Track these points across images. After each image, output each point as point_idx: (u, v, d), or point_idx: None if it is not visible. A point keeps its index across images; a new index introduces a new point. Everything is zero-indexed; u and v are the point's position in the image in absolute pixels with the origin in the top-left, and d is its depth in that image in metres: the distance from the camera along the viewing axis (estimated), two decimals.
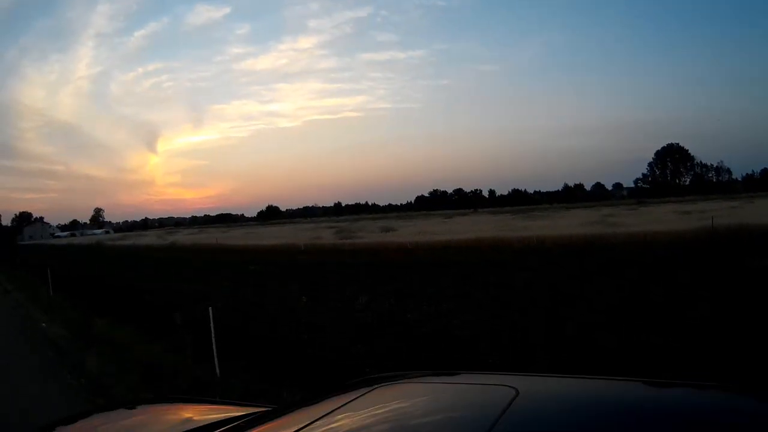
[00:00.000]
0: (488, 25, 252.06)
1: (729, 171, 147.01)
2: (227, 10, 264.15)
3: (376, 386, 2.80)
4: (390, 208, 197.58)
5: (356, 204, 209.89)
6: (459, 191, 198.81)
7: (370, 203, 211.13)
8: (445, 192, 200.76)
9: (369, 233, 68.28)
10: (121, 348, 13.89)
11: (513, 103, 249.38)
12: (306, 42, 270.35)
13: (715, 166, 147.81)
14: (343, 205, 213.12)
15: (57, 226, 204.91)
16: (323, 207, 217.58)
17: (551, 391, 2.36)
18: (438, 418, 2.23)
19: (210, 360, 10.88)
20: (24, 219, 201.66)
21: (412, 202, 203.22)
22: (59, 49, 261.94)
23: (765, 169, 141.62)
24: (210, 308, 11.14)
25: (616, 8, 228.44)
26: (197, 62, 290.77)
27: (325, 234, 71.48)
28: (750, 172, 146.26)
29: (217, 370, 10.75)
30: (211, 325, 10.90)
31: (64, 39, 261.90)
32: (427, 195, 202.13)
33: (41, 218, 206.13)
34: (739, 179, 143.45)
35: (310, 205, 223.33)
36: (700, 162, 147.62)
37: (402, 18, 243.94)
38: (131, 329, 16.03)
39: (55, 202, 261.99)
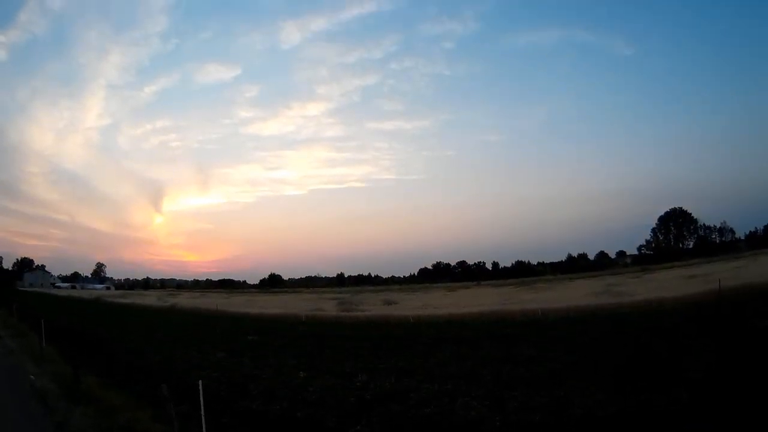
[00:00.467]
0: (491, 94, 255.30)
1: (732, 231, 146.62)
2: (237, 71, 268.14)
3: None
4: (393, 280, 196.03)
5: (359, 275, 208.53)
6: (462, 263, 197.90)
7: (373, 274, 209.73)
8: (448, 264, 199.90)
9: (371, 305, 67.53)
10: (109, 411, 13.34)
11: (516, 173, 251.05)
12: (314, 108, 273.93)
13: (718, 227, 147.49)
14: (346, 275, 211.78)
15: (58, 276, 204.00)
16: (326, 277, 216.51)
17: None
18: None
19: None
20: (25, 265, 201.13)
21: (416, 274, 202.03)
22: (70, 96, 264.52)
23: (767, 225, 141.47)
24: (200, 381, 10.61)
25: (617, 75, 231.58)
26: (205, 123, 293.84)
27: (326, 305, 70.77)
28: (753, 229, 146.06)
29: None
30: (201, 399, 10.38)
31: (75, 86, 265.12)
32: (430, 267, 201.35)
33: (43, 266, 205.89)
34: (742, 238, 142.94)
35: (313, 275, 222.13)
36: (704, 224, 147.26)
37: (409, 87, 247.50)
38: (121, 392, 15.47)
39: (57, 251, 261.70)
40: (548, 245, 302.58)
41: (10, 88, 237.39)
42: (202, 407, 10.25)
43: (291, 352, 24.51)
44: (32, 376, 19.14)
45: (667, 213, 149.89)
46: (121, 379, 16.98)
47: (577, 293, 58.61)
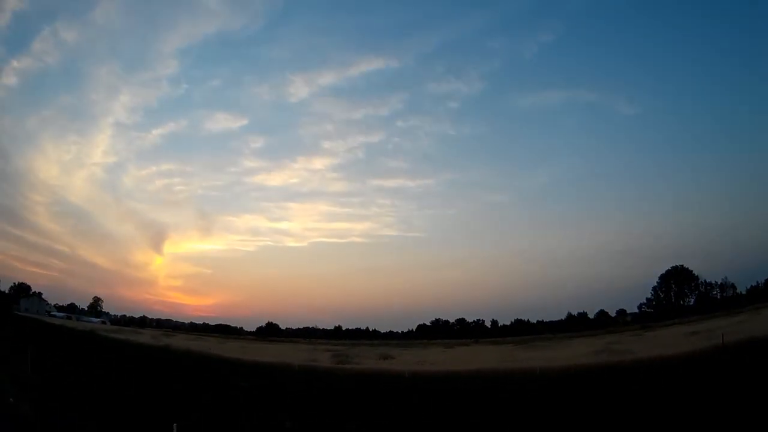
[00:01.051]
0: (495, 154, 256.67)
1: (734, 286, 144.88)
2: (244, 121, 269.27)
3: None
4: (390, 335, 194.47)
5: (357, 329, 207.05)
6: (461, 321, 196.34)
7: (370, 329, 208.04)
8: (447, 321, 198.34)
9: (366, 359, 66.67)
10: None
11: (517, 232, 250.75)
12: (318, 163, 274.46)
13: (719, 283, 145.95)
14: (344, 328, 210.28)
15: (54, 305, 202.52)
16: (323, 329, 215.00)
17: None
18: None
19: None
20: (22, 290, 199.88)
21: (414, 330, 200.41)
22: (78, 130, 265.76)
23: None
24: (174, 424, 10.16)
25: (620, 134, 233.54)
26: (210, 169, 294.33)
27: (321, 357, 69.92)
28: (754, 284, 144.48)
29: None
30: None
31: (83, 120, 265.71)
32: (428, 324, 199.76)
33: (40, 294, 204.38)
34: (743, 293, 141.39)
35: (310, 326, 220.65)
36: (704, 281, 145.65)
37: (413, 145, 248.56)
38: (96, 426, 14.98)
39: (55, 280, 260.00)
40: (548, 304, 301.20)
41: (19, 115, 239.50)
42: None
43: (281, 399, 23.94)
44: (11, 399, 18.71)
45: (668, 271, 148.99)
46: (100, 414, 16.44)
47: (577, 352, 57.84)
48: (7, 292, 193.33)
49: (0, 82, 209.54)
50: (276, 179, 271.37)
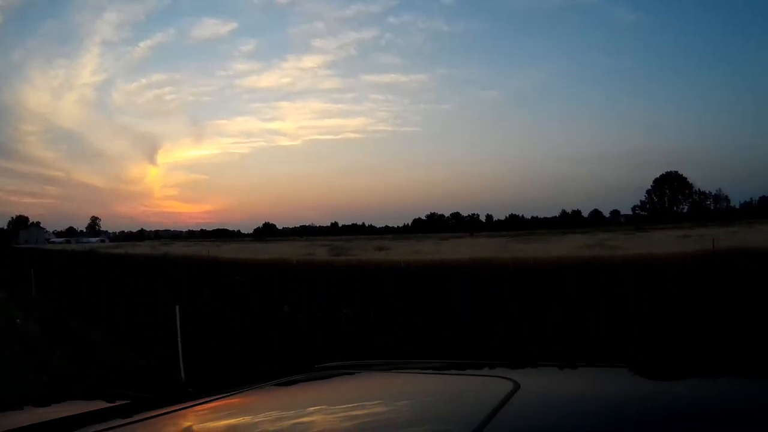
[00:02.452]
0: (490, 51, 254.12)
1: (727, 199, 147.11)
2: (234, 25, 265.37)
3: (339, 373, 2.63)
4: (387, 230, 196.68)
5: (353, 225, 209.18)
6: (456, 215, 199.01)
7: (367, 224, 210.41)
8: (442, 215, 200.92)
9: (363, 251, 67.56)
10: (91, 348, 13.29)
11: (512, 129, 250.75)
12: (310, 61, 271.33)
13: (713, 193, 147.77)
14: (340, 225, 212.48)
15: (53, 232, 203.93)
16: (320, 226, 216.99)
17: (554, 384, 2.18)
18: (417, 410, 1.92)
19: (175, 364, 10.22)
20: (20, 223, 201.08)
21: (409, 224, 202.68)
22: (64, 54, 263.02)
23: (763, 197, 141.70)
24: (177, 306, 10.50)
25: (616, 37, 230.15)
26: (201, 76, 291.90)
27: (318, 251, 70.78)
28: (748, 199, 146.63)
29: (182, 374, 10.08)
30: (177, 323, 10.27)
31: (69, 44, 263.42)
32: (424, 218, 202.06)
33: (38, 223, 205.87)
34: (737, 207, 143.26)
35: (307, 224, 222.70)
36: (699, 190, 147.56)
37: (406, 41, 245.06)
38: (102, 329, 15.42)
39: (52, 207, 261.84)
40: (543, 201, 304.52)
41: (4, 49, 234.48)
42: (178, 332, 10.13)
43: (276, 290, 24.39)
44: (18, 320, 19.19)
45: (662, 176, 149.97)
46: (104, 318, 16.90)
47: (569, 246, 58.67)
48: (5, 227, 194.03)
49: None
50: (267, 80, 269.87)
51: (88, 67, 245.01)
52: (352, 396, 2.35)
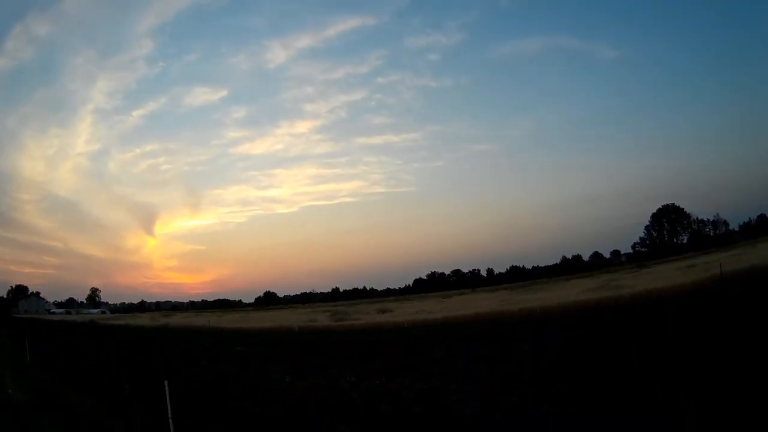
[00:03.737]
0: (479, 103, 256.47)
1: (726, 223, 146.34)
2: (224, 92, 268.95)
3: None
4: (388, 292, 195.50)
5: (354, 289, 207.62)
6: (457, 272, 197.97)
7: (368, 288, 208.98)
8: (443, 273, 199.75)
9: (365, 315, 66.68)
10: (80, 419, 12.59)
11: (506, 180, 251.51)
12: (302, 126, 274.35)
13: (711, 220, 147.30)
14: (341, 290, 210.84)
15: (53, 302, 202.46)
16: (321, 293, 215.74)
17: None
18: None
19: None
20: (20, 292, 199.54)
21: (411, 285, 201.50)
22: (59, 122, 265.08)
23: (761, 215, 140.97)
24: (165, 381, 9.80)
25: (603, 78, 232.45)
26: (194, 145, 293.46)
27: (320, 317, 69.91)
28: (747, 220, 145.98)
29: None
30: (167, 398, 9.58)
31: (63, 112, 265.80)
32: (425, 277, 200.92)
33: (37, 293, 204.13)
34: (737, 229, 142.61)
35: (308, 291, 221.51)
36: (697, 218, 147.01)
37: (396, 101, 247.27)
38: (94, 401, 14.72)
39: (52, 278, 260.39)
40: (542, 249, 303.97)
41: None
42: (168, 407, 9.41)
43: (279, 358, 23.67)
44: (9, 390, 18.57)
45: (659, 210, 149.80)
46: (98, 388, 16.15)
47: (574, 291, 57.84)
48: (5, 296, 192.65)
49: None
50: (260, 147, 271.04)
51: (82, 136, 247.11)
52: None
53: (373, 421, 11.38)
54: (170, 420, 9.42)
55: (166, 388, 9.55)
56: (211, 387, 14.90)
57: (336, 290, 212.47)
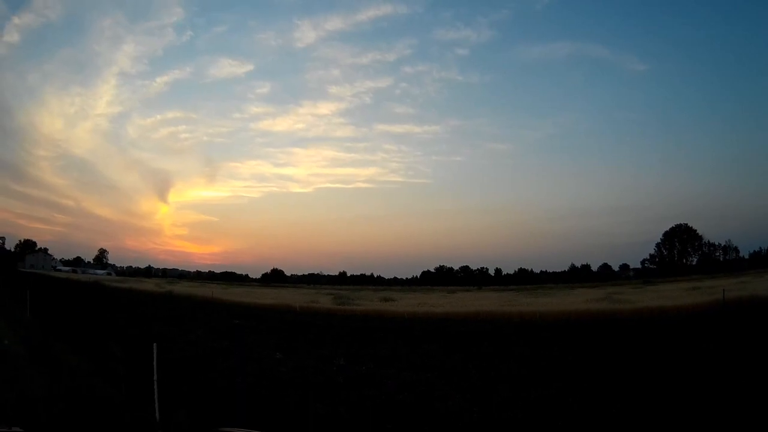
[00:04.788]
0: (502, 103, 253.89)
1: (736, 249, 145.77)
2: (250, 67, 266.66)
3: None
4: (395, 281, 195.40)
5: (362, 275, 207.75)
6: (465, 268, 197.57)
7: (375, 275, 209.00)
8: (451, 268, 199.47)
9: (368, 302, 66.79)
10: (68, 374, 12.86)
11: (523, 182, 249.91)
12: (325, 108, 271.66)
13: (722, 245, 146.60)
14: (349, 274, 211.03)
15: (60, 260, 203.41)
16: (328, 275, 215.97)
17: None
18: None
19: (150, 399, 9.70)
20: (27, 247, 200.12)
21: (418, 276, 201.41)
22: (81, 82, 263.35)
23: None
24: (154, 344, 10.01)
25: (628, 91, 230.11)
26: (216, 116, 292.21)
27: (323, 299, 70.05)
28: (757, 249, 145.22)
29: (157, 414, 9.56)
30: (154, 363, 9.79)
31: (87, 72, 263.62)
32: (432, 270, 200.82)
33: (45, 249, 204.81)
34: (746, 257, 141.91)
35: (316, 272, 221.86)
36: (708, 241, 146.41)
37: (420, 91, 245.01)
38: (84, 360, 15.01)
39: (60, 235, 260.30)
40: (551, 255, 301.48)
41: (21, 71, 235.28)
42: (155, 371, 9.63)
43: (273, 335, 23.93)
44: (6, 341, 18.82)
45: (672, 228, 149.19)
46: (89, 347, 16.43)
47: (577, 299, 57.82)
48: (12, 250, 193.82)
49: (2, 40, 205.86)
50: (281, 125, 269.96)
51: (104, 98, 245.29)
52: None
53: (354, 404, 11.54)
54: (155, 383, 9.59)
55: (155, 351, 9.75)
56: (202, 358, 15.17)
57: (343, 274, 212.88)
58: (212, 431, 2.60)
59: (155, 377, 9.72)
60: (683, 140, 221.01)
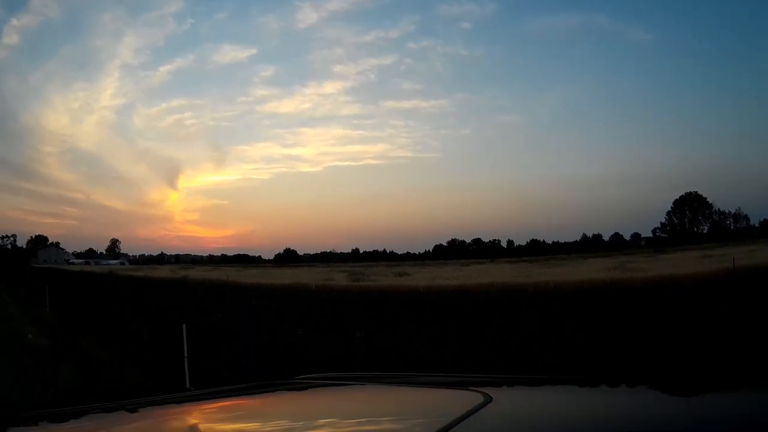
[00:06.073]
0: (508, 75, 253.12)
1: (747, 218, 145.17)
2: (253, 51, 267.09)
3: (317, 384, 2.65)
4: (408, 257, 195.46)
5: (374, 251, 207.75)
6: (477, 241, 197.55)
7: (388, 251, 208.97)
8: (463, 241, 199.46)
9: (383, 277, 67.27)
10: (96, 363, 13.17)
11: (532, 154, 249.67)
12: (330, 87, 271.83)
13: (732, 213, 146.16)
14: (361, 251, 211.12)
15: (72, 253, 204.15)
16: (341, 253, 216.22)
17: (527, 398, 2.13)
18: (381, 422, 1.96)
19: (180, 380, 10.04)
20: (39, 242, 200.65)
21: (431, 251, 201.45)
22: (84, 77, 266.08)
23: None
24: (183, 325, 10.35)
25: (635, 60, 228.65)
26: (221, 102, 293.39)
27: (338, 277, 70.54)
28: (767, 217, 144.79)
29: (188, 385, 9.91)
30: (185, 344, 10.11)
31: (89, 67, 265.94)
32: (445, 244, 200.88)
33: (57, 243, 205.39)
34: (757, 225, 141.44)
35: (328, 251, 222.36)
36: (719, 209, 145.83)
37: (426, 66, 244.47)
38: (111, 349, 15.31)
39: (72, 228, 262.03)
40: (563, 226, 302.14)
41: (23, 72, 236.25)
42: (185, 347, 9.97)
43: (291, 313, 24.29)
44: (30, 335, 19.15)
45: (682, 197, 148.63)
46: (115, 338, 16.79)
47: (590, 269, 58.12)
48: (24, 246, 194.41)
49: (2, 43, 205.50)
50: (288, 106, 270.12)
51: (108, 90, 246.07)
52: (319, 407, 2.34)
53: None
54: (185, 359, 9.96)
55: (184, 331, 10.10)
56: (224, 337, 15.46)
57: (356, 251, 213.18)
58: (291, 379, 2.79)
59: (185, 353, 10.07)
60: (691, 107, 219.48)
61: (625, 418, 1.66)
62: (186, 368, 10.07)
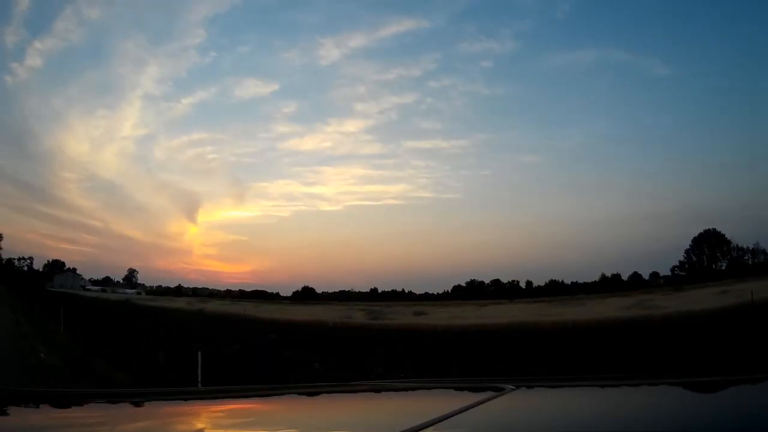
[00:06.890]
0: (528, 114, 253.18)
1: (765, 252, 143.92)
2: (275, 86, 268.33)
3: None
4: (426, 297, 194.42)
5: (393, 291, 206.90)
6: (496, 282, 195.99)
7: (406, 291, 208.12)
8: (482, 282, 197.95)
9: (401, 316, 66.92)
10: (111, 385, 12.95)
11: (552, 193, 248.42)
12: (351, 126, 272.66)
13: (750, 248, 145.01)
14: (380, 291, 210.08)
15: (89, 280, 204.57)
16: (359, 292, 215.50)
17: (546, 396, 2.37)
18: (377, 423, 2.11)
19: None
20: (56, 267, 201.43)
21: (449, 291, 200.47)
22: (106, 105, 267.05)
23: None
24: (199, 352, 10.15)
25: (653, 96, 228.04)
26: (242, 136, 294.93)
27: (356, 315, 70.32)
28: None
29: None
30: (199, 370, 9.90)
31: (111, 95, 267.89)
32: (464, 285, 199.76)
33: (74, 269, 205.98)
34: None
35: (347, 290, 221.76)
36: (737, 245, 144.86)
37: (447, 105, 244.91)
38: (126, 372, 15.14)
39: (89, 255, 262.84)
40: (582, 266, 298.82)
41: (45, 95, 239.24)
42: (199, 374, 9.76)
43: (309, 349, 24.02)
44: (42, 355, 19.08)
45: (700, 234, 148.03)
46: (131, 362, 16.61)
47: (609, 308, 57.64)
48: (41, 270, 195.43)
49: (24, 65, 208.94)
50: (309, 143, 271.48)
51: (129, 120, 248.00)
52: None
53: None
54: (199, 384, 9.77)
55: (199, 358, 9.90)
56: (241, 366, 15.28)
57: (374, 290, 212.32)
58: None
59: (200, 379, 9.87)
60: (709, 143, 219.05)
61: (626, 418, 1.73)
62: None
